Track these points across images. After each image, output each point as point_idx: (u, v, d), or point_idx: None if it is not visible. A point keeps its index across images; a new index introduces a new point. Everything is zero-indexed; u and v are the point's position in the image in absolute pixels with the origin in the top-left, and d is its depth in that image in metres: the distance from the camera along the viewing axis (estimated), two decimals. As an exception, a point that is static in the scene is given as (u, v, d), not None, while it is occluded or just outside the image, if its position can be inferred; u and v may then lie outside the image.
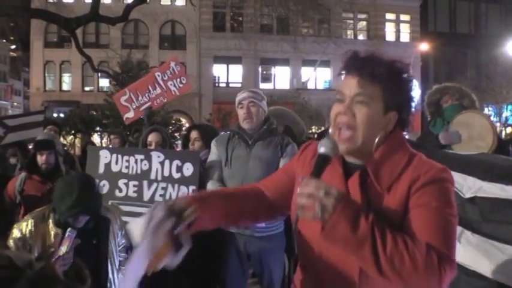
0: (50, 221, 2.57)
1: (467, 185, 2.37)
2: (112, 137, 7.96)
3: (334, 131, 1.38)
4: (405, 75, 1.41)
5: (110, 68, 22.66)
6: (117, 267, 2.79)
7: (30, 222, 2.58)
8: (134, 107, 4.78)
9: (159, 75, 4.74)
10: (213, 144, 3.44)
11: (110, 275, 2.71)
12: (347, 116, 1.35)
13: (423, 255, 1.18)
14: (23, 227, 2.57)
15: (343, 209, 1.20)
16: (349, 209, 1.21)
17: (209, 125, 7.79)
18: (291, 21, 19.53)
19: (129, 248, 2.98)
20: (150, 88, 4.73)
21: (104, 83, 27.39)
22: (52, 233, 2.55)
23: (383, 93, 1.35)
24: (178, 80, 4.72)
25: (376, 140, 1.36)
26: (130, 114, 4.81)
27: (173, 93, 4.74)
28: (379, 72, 1.35)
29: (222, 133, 3.71)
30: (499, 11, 33.32)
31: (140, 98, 4.76)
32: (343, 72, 1.41)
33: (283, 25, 28.76)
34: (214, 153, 3.39)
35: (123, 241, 2.91)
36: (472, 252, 2.25)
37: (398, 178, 1.33)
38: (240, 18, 29.27)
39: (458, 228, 2.29)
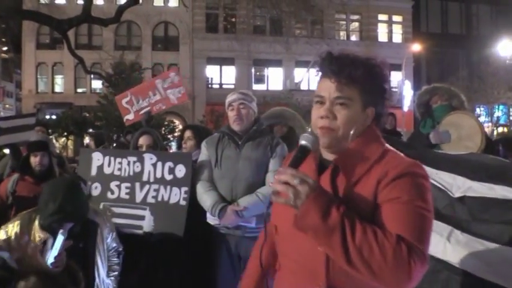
0: (36, 223, 2.56)
1: (456, 185, 2.40)
2: (88, 139, 8.10)
3: (316, 128, 1.43)
4: (380, 72, 1.45)
5: (102, 70, 22.58)
6: (105, 271, 2.78)
7: (17, 224, 2.57)
8: (134, 110, 4.95)
9: (159, 83, 4.90)
10: (203, 145, 3.46)
11: (97, 280, 2.69)
12: (328, 119, 1.40)
13: (392, 246, 1.19)
14: (9, 229, 2.56)
15: (316, 198, 1.23)
16: (321, 198, 1.25)
17: (203, 125, 7.84)
18: (284, 22, 19.55)
19: (120, 253, 2.97)
20: (151, 93, 4.90)
21: (97, 84, 27.27)
22: (37, 235, 2.53)
23: (361, 93, 1.40)
24: (176, 89, 4.89)
25: (351, 132, 1.40)
26: (130, 116, 4.97)
27: (171, 101, 4.90)
28: (357, 75, 1.39)
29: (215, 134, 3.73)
30: (490, 12, 33.60)
31: (140, 101, 4.92)
32: (320, 74, 1.46)
33: (276, 26, 28.80)
34: (204, 154, 3.41)
35: (114, 245, 2.90)
36: (461, 251, 2.27)
37: (369, 171, 1.36)
38: (233, 20, 29.31)
39: (448, 228, 2.32)
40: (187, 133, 4.19)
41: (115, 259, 2.91)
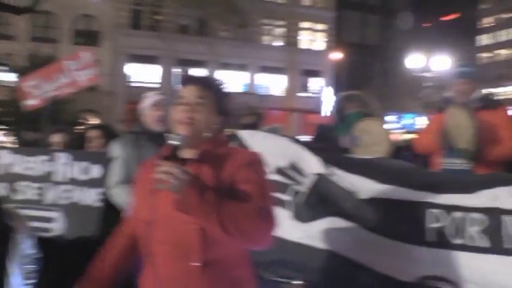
0: None
1: (365, 187, 2.56)
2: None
3: (178, 126, 1.73)
4: (225, 89, 1.89)
5: (14, 62, 21.13)
6: (20, 280, 2.62)
7: None
8: (38, 94, 4.53)
9: (67, 64, 4.54)
10: (116, 144, 3.36)
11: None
12: (189, 114, 1.73)
13: (254, 212, 1.57)
14: None
15: (193, 182, 1.53)
16: (197, 182, 1.56)
17: (108, 125, 7.50)
18: (209, 23, 19.55)
19: (38, 259, 2.81)
20: (58, 76, 4.52)
21: (8, 77, 25.43)
22: None
23: (215, 101, 1.80)
24: (86, 71, 4.56)
25: (206, 135, 1.76)
26: (32, 101, 4.56)
27: (81, 83, 4.55)
28: (211, 85, 1.83)
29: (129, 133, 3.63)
30: (405, 26, 36.01)
31: (46, 86, 4.52)
32: (183, 83, 1.84)
33: (201, 27, 28.78)
34: (117, 154, 3.31)
35: (31, 251, 2.74)
36: (366, 248, 2.43)
37: (223, 164, 1.71)
38: (158, 17, 28.77)
39: (355, 227, 2.47)
40: (94, 132, 4.01)
41: (31, 266, 2.75)
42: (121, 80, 27.31)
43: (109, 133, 3.95)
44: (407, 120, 25.54)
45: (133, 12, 27.96)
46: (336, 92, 26.56)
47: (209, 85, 1.83)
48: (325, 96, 28.16)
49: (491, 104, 3.66)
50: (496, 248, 2.11)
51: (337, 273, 2.51)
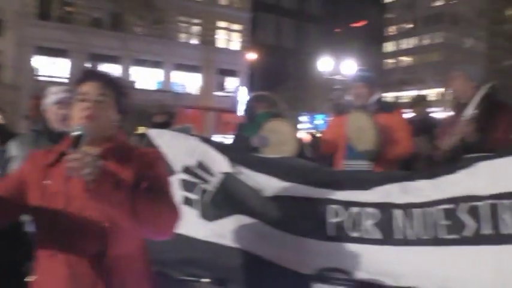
0: None
1: (270, 185, 2.65)
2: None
3: (78, 122, 1.70)
4: (125, 87, 1.89)
5: None
6: None
7: None
8: None
9: None
10: (14, 143, 3.15)
11: None
12: (90, 110, 1.71)
13: (164, 204, 1.64)
14: None
15: (106, 171, 1.52)
16: (110, 171, 1.55)
17: (5, 123, 7.03)
18: (124, 18, 18.88)
19: None
20: None
21: None
22: None
23: (115, 98, 1.80)
24: None
25: (107, 133, 1.76)
26: None
27: None
28: (112, 82, 1.82)
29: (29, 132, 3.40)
30: (318, 31, 37.50)
31: None
32: (83, 79, 1.80)
33: (115, 21, 27.75)
34: (15, 153, 3.10)
35: None
36: (271, 244, 2.52)
37: (127, 163, 1.72)
38: (69, 9, 27.27)
39: (260, 223, 2.55)
40: None
41: None
42: (27, 74, 25.39)
43: (5, 132, 3.69)
44: (319, 120, 26.58)
45: (40, 1, 26.22)
46: (251, 92, 27.00)
47: (110, 82, 1.81)
48: (241, 95, 28.44)
49: (387, 107, 3.92)
50: (388, 239, 2.30)
51: (245, 270, 2.57)
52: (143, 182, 1.67)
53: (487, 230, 2.09)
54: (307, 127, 24.98)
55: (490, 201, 2.11)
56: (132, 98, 1.95)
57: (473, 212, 2.13)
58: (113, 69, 27.22)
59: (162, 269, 2.39)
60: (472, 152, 2.51)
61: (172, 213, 1.66)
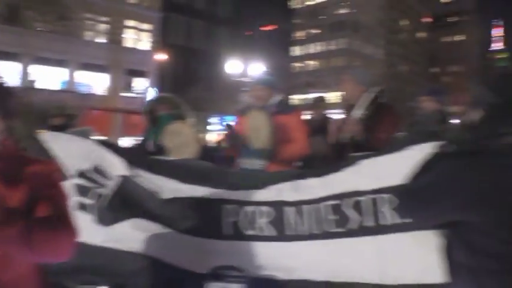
0: None
1: (168, 187, 2.65)
2: None
3: None
4: (8, 88, 1.74)
5: None
6: None
7: None
8: None
9: None
10: None
11: None
12: None
13: (60, 228, 1.52)
14: None
15: None
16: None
17: None
18: (22, 12, 17.60)
19: None
20: None
21: None
22: None
23: None
24: None
25: None
26: None
27: None
28: None
29: None
30: (228, 33, 37.78)
31: None
32: None
33: (11, 15, 25.74)
34: None
35: None
36: (169, 246, 2.53)
37: (18, 178, 1.56)
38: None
39: (159, 226, 2.55)
40: None
41: None
42: None
43: None
44: (229, 122, 26.87)
45: None
46: (160, 92, 26.54)
47: None
48: (149, 96, 27.83)
49: (286, 109, 4.11)
50: (280, 235, 2.42)
51: (143, 274, 2.55)
52: (39, 206, 1.54)
53: (369, 222, 2.27)
54: (217, 128, 25.13)
55: (371, 196, 2.29)
56: (22, 98, 1.83)
57: (357, 207, 2.30)
58: (10, 67, 25.38)
59: (57, 279, 2.30)
60: (361, 150, 2.72)
61: (71, 237, 1.57)
